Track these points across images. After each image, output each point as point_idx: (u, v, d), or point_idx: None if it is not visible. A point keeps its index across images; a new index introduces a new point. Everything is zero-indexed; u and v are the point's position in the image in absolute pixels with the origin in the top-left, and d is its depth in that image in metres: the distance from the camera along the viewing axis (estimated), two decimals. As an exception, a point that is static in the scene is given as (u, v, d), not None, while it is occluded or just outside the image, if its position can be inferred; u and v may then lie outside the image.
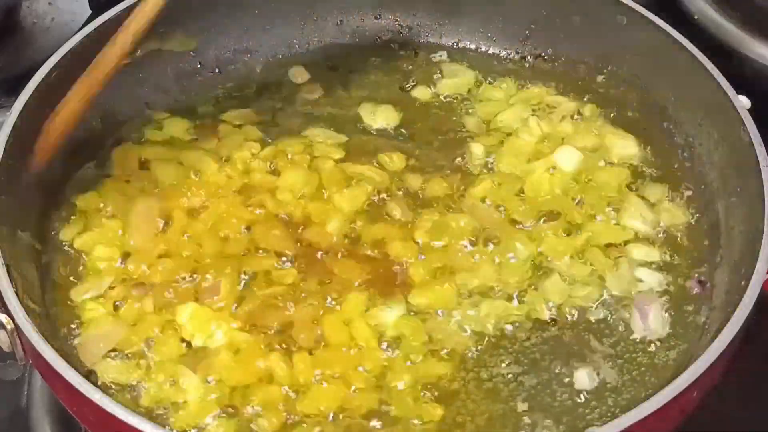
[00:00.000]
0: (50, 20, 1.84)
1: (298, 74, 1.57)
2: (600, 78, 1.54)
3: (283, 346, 1.22)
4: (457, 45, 1.62)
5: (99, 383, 1.19)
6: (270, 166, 1.41)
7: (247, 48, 1.58)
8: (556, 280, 1.30)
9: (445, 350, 1.23)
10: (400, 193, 1.39)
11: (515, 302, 1.28)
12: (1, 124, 1.29)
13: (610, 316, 1.28)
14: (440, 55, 1.60)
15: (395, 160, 1.43)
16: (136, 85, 1.50)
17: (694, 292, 1.30)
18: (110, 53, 1.31)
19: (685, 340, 1.26)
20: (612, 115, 1.50)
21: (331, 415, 1.17)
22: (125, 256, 1.31)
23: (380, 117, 1.50)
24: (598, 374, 1.23)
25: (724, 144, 1.35)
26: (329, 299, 1.27)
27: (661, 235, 1.36)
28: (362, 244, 1.33)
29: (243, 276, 1.29)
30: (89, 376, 1.19)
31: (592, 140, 1.46)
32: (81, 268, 1.31)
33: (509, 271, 1.30)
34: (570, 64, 1.56)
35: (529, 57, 1.59)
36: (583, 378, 1.22)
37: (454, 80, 1.56)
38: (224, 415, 1.17)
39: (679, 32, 1.42)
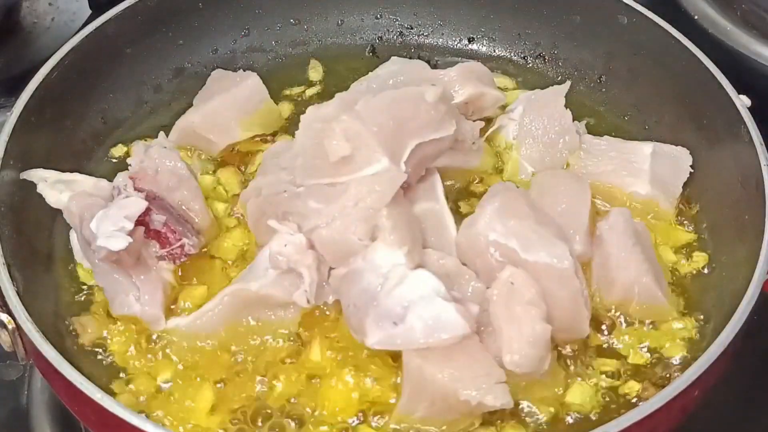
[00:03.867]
0: (50, 20, 1.84)
1: (299, 74, 1.57)
2: (600, 78, 1.54)
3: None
4: (458, 45, 1.62)
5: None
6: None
7: (248, 48, 1.58)
8: None
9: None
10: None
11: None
12: (1, 124, 1.29)
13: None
14: (440, 55, 1.61)
15: None
16: (137, 85, 1.51)
17: None
18: None
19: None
20: (612, 115, 1.51)
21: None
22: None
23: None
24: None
25: (724, 143, 1.35)
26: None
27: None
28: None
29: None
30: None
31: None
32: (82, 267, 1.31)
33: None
34: (570, 64, 1.56)
35: (529, 57, 1.59)
36: None
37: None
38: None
39: (679, 32, 1.42)
